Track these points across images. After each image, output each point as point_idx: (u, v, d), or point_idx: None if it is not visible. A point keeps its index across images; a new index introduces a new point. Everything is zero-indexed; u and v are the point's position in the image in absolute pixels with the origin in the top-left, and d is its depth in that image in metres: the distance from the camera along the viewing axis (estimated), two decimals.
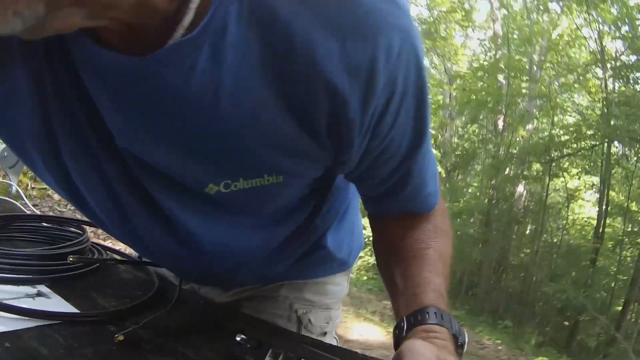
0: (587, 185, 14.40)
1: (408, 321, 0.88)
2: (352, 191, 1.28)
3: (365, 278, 13.20)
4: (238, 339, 0.87)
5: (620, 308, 12.31)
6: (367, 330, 7.86)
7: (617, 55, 13.11)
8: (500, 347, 9.42)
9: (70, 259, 1.11)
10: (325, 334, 1.45)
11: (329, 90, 0.75)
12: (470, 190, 17.22)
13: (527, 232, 15.34)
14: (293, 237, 1.15)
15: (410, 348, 0.75)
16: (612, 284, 12.68)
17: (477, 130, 17.60)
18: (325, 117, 0.79)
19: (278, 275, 1.33)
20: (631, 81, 12.68)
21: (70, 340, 0.85)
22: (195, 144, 0.83)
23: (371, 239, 1.15)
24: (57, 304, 0.99)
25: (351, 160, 0.90)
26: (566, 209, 14.63)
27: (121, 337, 0.87)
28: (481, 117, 16.73)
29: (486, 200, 15.70)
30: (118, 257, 1.41)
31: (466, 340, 0.88)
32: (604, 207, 13.17)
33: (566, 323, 13.25)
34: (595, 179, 13.85)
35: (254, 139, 0.81)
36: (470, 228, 14.75)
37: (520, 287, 14.07)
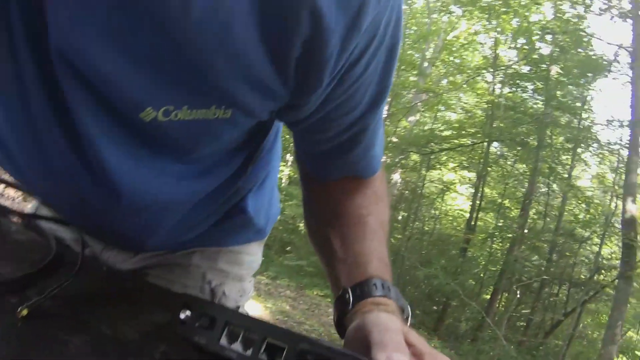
0: (462, 180, 15.35)
1: (354, 292, 0.86)
2: (274, 158, 1.24)
3: None
4: (182, 316, 0.77)
5: (488, 297, 13.37)
6: (246, 306, 8.01)
7: (510, 63, 14.12)
8: None
9: None
10: (238, 307, 1.38)
11: (314, 16, 0.69)
12: None
13: (400, 218, 15.92)
14: (215, 194, 1.06)
15: (376, 322, 0.74)
16: (482, 274, 13.67)
17: None
18: (300, 46, 0.72)
19: (193, 240, 1.23)
20: (519, 89, 13.74)
21: None
22: (152, 54, 0.72)
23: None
24: None
25: (307, 105, 0.84)
26: (440, 200, 15.54)
27: (25, 312, 0.76)
28: None
29: None
30: (12, 211, 1.18)
31: (410, 312, 0.88)
32: (477, 201, 14.14)
33: (435, 308, 14.12)
34: (472, 175, 14.84)
35: (218, 59, 0.72)
36: None
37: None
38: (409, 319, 0.86)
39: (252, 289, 1.44)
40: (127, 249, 1.22)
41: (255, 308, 7.68)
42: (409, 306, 0.86)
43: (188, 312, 0.76)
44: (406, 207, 15.83)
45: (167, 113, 0.78)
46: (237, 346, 0.71)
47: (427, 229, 15.54)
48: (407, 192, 15.83)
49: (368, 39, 0.76)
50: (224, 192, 1.09)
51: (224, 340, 0.72)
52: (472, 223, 14.04)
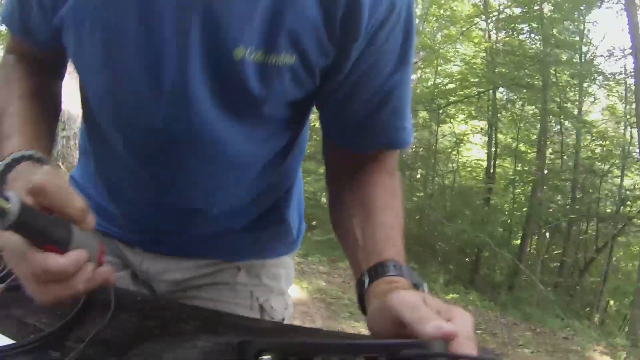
0: (474, 130, 15.42)
1: (370, 274, 0.94)
2: (298, 169, 1.38)
3: None
4: None
5: (518, 242, 13.54)
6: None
7: (501, 8, 14.17)
8: None
9: None
10: (283, 319, 1.45)
11: None
12: None
13: (419, 177, 16.18)
14: (265, 173, 1.19)
15: (400, 301, 0.77)
16: (508, 221, 13.84)
17: None
18: (343, 6, 0.91)
19: (236, 246, 1.34)
20: (515, 33, 13.83)
21: None
22: None
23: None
24: None
25: (343, 67, 0.99)
26: (455, 152, 15.65)
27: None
28: None
29: None
30: None
31: (425, 289, 0.94)
32: (492, 149, 14.27)
33: (467, 260, 14.30)
34: (483, 123, 14.92)
35: (290, 8, 0.91)
36: None
37: (417, 230, 14.70)
38: (425, 292, 0.90)
39: (291, 303, 1.51)
40: (168, 245, 1.31)
41: (292, 290, 7.47)
42: (424, 283, 0.94)
43: (268, 356, 0.71)
44: (423, 165, 15.99)
45: (251, 52, 0.92)
46: None
47: (447, 183, 15.64)
48: (421, 150, 15.94)
49: (389, 6, 0.94)
50: (271, 174, 1.21)
51: None
52: (491, 171, 14.14)
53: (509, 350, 6.55)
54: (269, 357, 0.69)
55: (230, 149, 1.05)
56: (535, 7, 12.83)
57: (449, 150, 15.88)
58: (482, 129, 15.08)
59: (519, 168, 13.97)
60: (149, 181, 1.13)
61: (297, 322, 5.66)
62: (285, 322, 1.45)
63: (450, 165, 15.94)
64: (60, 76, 1.21)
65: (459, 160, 15.76)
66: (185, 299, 1.30)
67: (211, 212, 1.19)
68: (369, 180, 1.11)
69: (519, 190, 14.26)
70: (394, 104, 1.07)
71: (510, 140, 14.61)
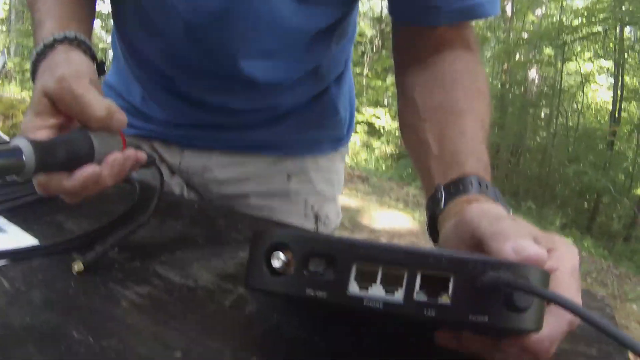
0: (600, 70, 15.04)
1: (447, 191, 0.76)
2: (348, 59, 1.29)
3: (384, 167, 13.75)
4: (277, 264, 0.52)
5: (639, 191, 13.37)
6: (393, 217, 7.84)
7: None
8: None
9: None
10: (334, 229, 1.39)
11: None
12: None
13: (542, 115, 16.15)
14: (305, 61, 1.12)
15: (481, 213, 0.62)
16: (631, 168, 13.61)
17: None
18: None
19: (282, 132, 1.25)
20: None
21: (19, 283, 0.68)
22: None
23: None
24: (11, 238, 0.80)
25: None
26: (580, 92, 15.36)
27: (79, 267, 0.71)
28: None
29: (499, 85, 16.23)
30: None
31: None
32: (618, 91, 14.02)
33: (586, 205, 14.23)
34: (609, 63, 14.58)
35: None
36: None
37: (538, 170, 14.88)
38: None
39: (340, 211, 1.43)
40: (212, 133, 1.23)
41: (403, 220, 7.75)
42: (510, 209, 0.73)
43: (282, 256, 0.52)
44: (547, 103, 15.85)
45: None
46: (376, 291, 0.48)
47: (570, 124, 15.43)
48: (545, 88, 15.83)
49: None
50: (318, 52, 1.11)
51: (354, 287, 0.49)
52: (616, 115, 13.96)
53: (617, 303, 6.22)
54: (284, 257, 0.51)
55: (278, 15, 0.96)
56: None
57: (574, 89, 15.61)
58: (608, 69, 14.75)
59: None
60: (194, 58, 1.05)
61: None
62: (335, 231, 1.40)
63: (574, 105, 15.70)
64: None
65: (584, 101, 15.48)
66: (237, 208, 1.22)
67: (255, 79, 1.06)
68: (443, 68, 0.94)
69: None
70: None
71: (637, 83, 14.24)
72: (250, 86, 1.08)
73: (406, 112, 0.98)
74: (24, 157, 0.62)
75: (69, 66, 0.75)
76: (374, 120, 14.65)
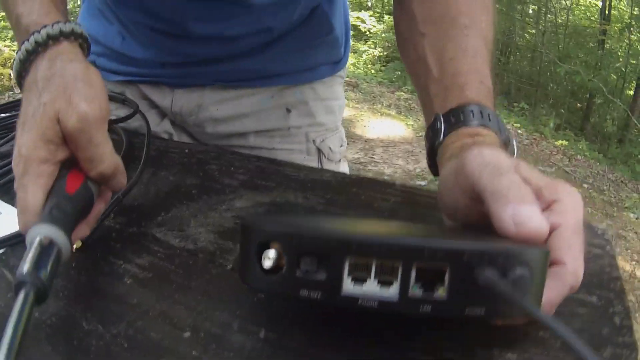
0: None
1: (447, 120, 0.72)
2: None
3: (373, 71, 13.40)
4: (267, 264, 0.49)
5: (631, 93, 13.34)
6: (386, 125, 7.65)
7: None
8: (520, 132, 9.53)
9: None
10: (340, 161, 1.35)
11: None
12: None
13: (530, 12, 15.85)
14: None
15: (481, 162, 0.56)
16: (623, 68, 13.45)
17: None
18: None
19: (277, 58, 1.19)
20: None
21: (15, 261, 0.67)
22: None
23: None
24: (5, 220, 0.78)
25: None
26: None
27: (77, 244, 0.70)
28: None
29: None
30: None
31: (515, 149, 0.74)
32: None
33: (579, 105, 14.28)
34: None
35: None
36: None
37: (529, 68, 14.82)
38: (515, 154, 0.73)
39: (345, 138, 1.38)
40: (203, 66, 1.16)
41: (397, 127, 7.62)
42: (514, 140, 0.72)
43: (272, 254, 0.48)
44: None
45: None
46: (370, 287, 0.46)
47: (560, 21, 15.11)
48: None
49: None
50: None
51: (347, 286, 0.47)
52: (606, 12, 13.75)
53: (615, 211, 6.17)
54: (275, 254, 0.48)
55: None
56: None
57: None
58: None
59: (635, 12, 13.34)
60: None
61: (400, 162, 6.22)
62: (342, 162, 1.36)
63: (563, 1, 15.30)
64: None
65: None
66: (235, 149, 1.14)
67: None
68: None
69: (635, 37, 13.72)
70: None
71: None
72: (243, 8, 1.02)
73: (403, 23, 0.92)
74: (61, 248, 0.57)
75: (90, 95, 0.67)
76: (358, 23, 14.43)
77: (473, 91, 0.73)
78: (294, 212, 0.81)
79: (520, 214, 0.50)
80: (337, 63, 1.31)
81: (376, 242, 0.46)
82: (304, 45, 1.19)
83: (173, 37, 1.09)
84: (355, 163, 6.13)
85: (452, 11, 0.82)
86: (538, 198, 0.53)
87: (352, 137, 6.97)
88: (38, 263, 0.53)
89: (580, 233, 0.53)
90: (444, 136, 0.71)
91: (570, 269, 0.50)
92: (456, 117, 0.71)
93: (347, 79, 9.88)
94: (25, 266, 0.52)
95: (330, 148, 1.31)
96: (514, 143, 0.73)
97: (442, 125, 0.72)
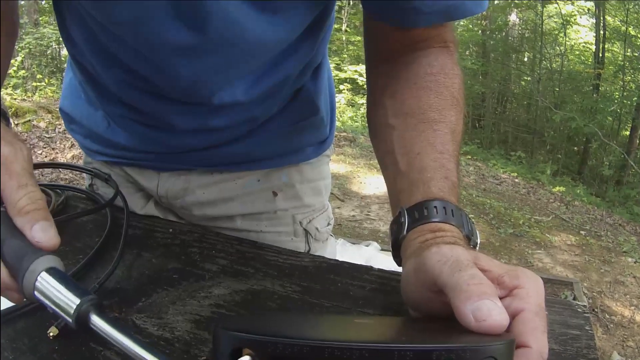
0: (581, 11, 15.08)
1: (410, 215, 0.74)
2: (325, 52, 1.20)
3: None
4: None
5: (627, 133, 13.63)
6: (382, 181, 6.39)
7: None
8: (517, 180, 9.76)
9: None
10: (327, 239, 1.36)
11: None
12: (462, 23, 16.90)
13: (525, 60, 16.29)
14: (287, 56, 1.00)
15: (441, 259, 0.60)
16: (618, 110, 13.75)
17: None
18: None
19: (262, 143, 1.17)
20: None
21: (7, 352, 0.67)
22: None
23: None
24: None
25: None
26: (562, 35, 15.35)
27: (54, 331, 0.69)
28: None
29: (480, 31, 16.31)
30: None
31: (478, 241, 0.76)
32: (600, 31, 14.13)
33: (576, 149, 14.48)
34: (590, 4, 14.65)
35: None
36: (468, 61, 15.41)
37: (526, 116, 15.12)
38: (477, 247, 0.74)
39: (332, 216, 1.39)
40: (188, 152, 1.15)
41: None
42: (477, 233, 0.74)
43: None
44: (529, 47, 15.97)
45: None
46: None
47: (554, 66, 15.50)
48: (527, 31, 15.97)
49: None
50: (294, 57, 1.02)
51: None
52: (600, 55, 14.10)
53: (612, 257, 6.25)
54: (248, 358, 0.49)
55: (253, 40, 0.88)
56: None
57: (556, 32, 15.60)
58: (589, 9, 14.81)
59: (628, 53, 13.77)
60: (161, 86, 0.97)
61: None
62: (328, 239, 1.38)
63: (557, 48, 15.75)
64: None
65: (566, 43, 15.48)
66: (221, 231, 1.16)
67: (235, 100, 1.01)
68: (417, 71, 0.90)
69: (629, 78, 14.11)
70: None
71: (619, 23, 14.24)
72: (228, 105, 1.02)
73: (375, 113, 0.94)
74: (56, 266, 0.57)
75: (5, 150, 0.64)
76: (356, 77, 14.68)
77: (437, 187, 0.75)
78: (268, 306, 0.82)
79: (481, 308, 0.52)
80: (323, 143, 1.30)
81: (346, 347, 0.49)
82: (289, 128, 1.18)
83: (157, 129, 1.10)
84: (350, 221, 6.19)
85: (422, 105, 0.85)
86: (500, 285, 0.57)
87: (348, 194, 7.07)
88: (69, 290, 0.55)
89: (543, 315, 0.55)
90: (407, 231, 0.73)
91: (535, 350, 0.52)
92: (420, 213, 0.73)
93: (344, 133, 10.08)
94: (71, 301, 0.54)
95: (317, 228, 1.31)
96: (477, 237, 0.75)
97: (406, 220, 0.73)
